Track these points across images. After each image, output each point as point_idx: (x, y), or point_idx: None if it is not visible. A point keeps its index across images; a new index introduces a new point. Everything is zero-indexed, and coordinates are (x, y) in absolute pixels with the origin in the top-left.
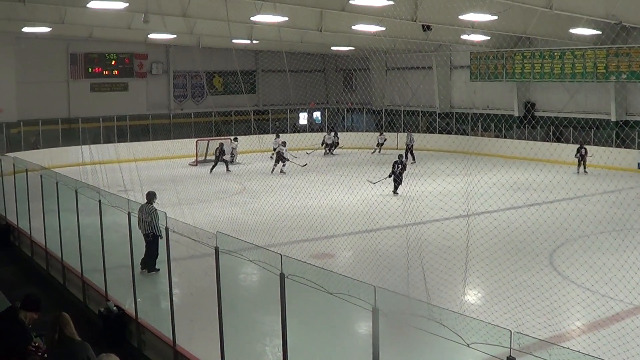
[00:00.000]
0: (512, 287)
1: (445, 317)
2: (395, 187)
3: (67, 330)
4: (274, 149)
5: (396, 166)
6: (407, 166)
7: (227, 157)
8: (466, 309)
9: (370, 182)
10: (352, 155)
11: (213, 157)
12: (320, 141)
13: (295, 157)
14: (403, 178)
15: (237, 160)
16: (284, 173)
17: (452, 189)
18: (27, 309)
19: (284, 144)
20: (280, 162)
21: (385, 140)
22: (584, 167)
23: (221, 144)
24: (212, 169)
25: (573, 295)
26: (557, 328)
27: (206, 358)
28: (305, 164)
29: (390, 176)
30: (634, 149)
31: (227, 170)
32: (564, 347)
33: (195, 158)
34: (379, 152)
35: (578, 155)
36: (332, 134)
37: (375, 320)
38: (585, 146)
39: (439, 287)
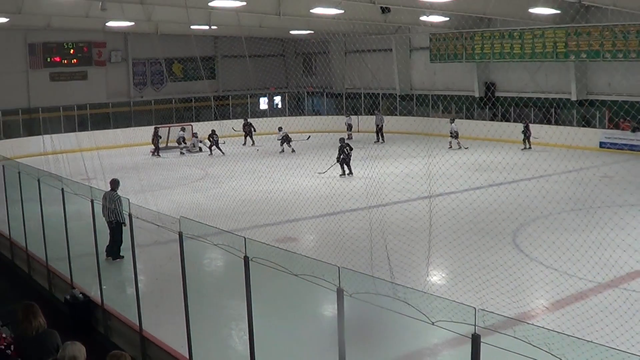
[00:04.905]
0: (476, 267)
1: (409, 296)
2: (349, 169)
3: (38, 320)
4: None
5: (345, 149)
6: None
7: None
8: (430, 288)
9: (320, 172)
10: (314, 139)
11: (175, 144)
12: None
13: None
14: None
15: (193, 148)
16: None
17: (414, 170)
18: None
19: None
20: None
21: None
22: (529, 143)
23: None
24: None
25: (537, 274)
26: (522, 306)
27: (173, 343)
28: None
29: (338, 160)
30: (595, 127)
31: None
32: (528, 324)
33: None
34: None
35: (527, 132)
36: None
37: (340, 301)
38: (528, 124)
39: (403, 267)
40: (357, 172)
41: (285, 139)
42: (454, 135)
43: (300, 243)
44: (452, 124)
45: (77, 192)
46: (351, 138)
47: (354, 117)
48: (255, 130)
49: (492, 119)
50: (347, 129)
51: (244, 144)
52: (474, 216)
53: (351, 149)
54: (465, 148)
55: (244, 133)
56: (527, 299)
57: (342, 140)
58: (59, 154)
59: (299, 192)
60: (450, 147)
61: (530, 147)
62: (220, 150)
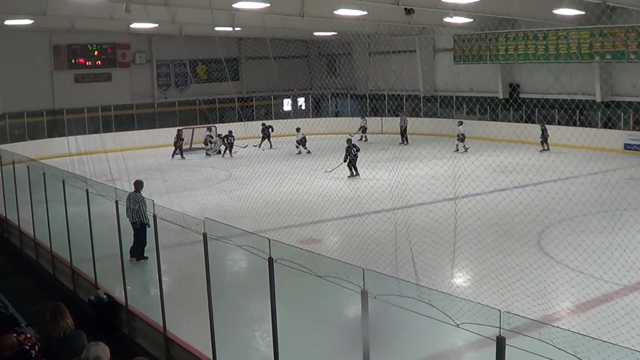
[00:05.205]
0: (500, 269)
1: (434, 298)
2: (355, 170)
3: (65, 321)
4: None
5: (352, 150)
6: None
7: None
8: (455, 290)
9: (327, 171)
10: (337, 140)
11: (198, 146)
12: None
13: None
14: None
15: (214, 150)
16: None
17: (439, 172)
18: None
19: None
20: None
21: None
22: (547, 145)
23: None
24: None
25: (562, 277)
26: (546, 309)
27: (197, 343)
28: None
29: (345, 161)
30: (619, 129)
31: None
32: (553, 326)
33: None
34: (365, 139)
35: (545, 133)
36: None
37: (365, 303)
38: (546, 125)
39: (427, 269)
40: (381, 173)
41: (302, 141)
42: (461, 138)
43: (325, 244)
44: (460, 127)
45: (101, 193)
46: (366, 140)
47: (374, 119)
48: (272, 131)
49: (519, 121)
50: (362, 130)
51: (260, 146)
52: (499, 218)
53: (358, 149)
54: (466, 149)
55: (262, 136)
56: (553, 301)
57: (349, 141)
58: (84, 155)
59: (322, 193)
60: (457, 150)
61: (548, 149)
62: (230, 153)
